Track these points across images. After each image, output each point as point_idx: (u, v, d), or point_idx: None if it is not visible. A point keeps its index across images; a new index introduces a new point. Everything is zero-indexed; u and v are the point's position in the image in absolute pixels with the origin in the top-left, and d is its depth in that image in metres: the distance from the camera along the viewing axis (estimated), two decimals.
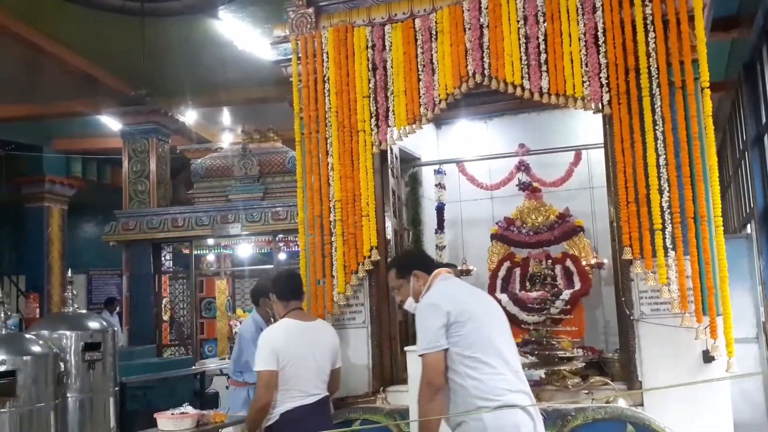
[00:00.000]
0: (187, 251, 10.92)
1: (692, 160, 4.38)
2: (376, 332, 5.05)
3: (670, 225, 4.38)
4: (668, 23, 4.46)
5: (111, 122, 12.02)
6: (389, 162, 5.57)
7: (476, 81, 4.80)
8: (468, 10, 4.83)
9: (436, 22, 4.93)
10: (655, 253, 4.38)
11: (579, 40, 4.58)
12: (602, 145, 4.95)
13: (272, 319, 4.50)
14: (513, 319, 6.80)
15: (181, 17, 9.00)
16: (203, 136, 13.61)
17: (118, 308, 12.33)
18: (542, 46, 4.66)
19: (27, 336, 4.75)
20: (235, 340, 5.82)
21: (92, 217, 17.11)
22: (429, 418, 2.98)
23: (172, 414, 4.31)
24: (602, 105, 4.54)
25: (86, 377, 4.88)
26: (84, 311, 5.77)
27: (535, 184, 7.38)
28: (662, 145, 4.42)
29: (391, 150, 5.63)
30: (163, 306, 10.96)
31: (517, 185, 7.45)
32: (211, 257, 11.80)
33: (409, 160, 7.02)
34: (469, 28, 4.82)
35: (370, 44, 5.10)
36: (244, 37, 9.24)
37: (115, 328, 5.28)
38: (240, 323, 9.01)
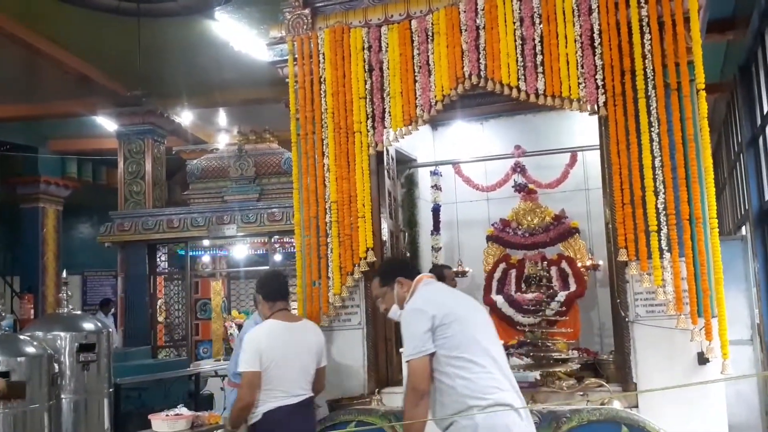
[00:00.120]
0: (182, 252, 10.91)
1: (687, 161, 4.39)
2: (372, 334, 5.05)
3: (666, 227, 4.38)
4: (664, 25, 4.47)
5: (107, 123, 12.00)
6: (385, 163, 5.57)
7: (472, 82, 4.80)
8: (464, 12, 4.83)
9: (432, 23, 4.93)
10: (650, 255, 4.39)
11: (575, 41, 4.58)
12: (598, 147, 4.95)
13: None
14: (508, 321, 6.81)
15: (177, 18, 8.99)
16: (199, 137, 13.60)
17: (113, 309, 12.30)
18: (538, 48, 4.67)
19: (21, 337, 4.74)
20: (235, 341, 5.81)
21: (87, 218, 17.10)
22: (418, 421, 2.99)
23: (167, 415, 4.31)
24: (598, 107, 4.55)
25: (80, 378, 4.87)
26: (78, 312, 5.76)
27: (530, 186, 7.39)
28: (658, 146, 4.43)
29: (387, 151, 5.63)
30: (158, 307, 10.94)
31: (512, 187, 7.45)
32: (206, 258, 11.79)
33: (405, 162, 7.02)
34: (466, 30, 4.82)
35: (366, 45, 5.10)
36: (241, 38, 9.23)
37: (110, 329, 5.28)
38: (235, 325, 9.01)
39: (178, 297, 11.14)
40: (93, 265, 16.44)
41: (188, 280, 10.84)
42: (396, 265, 3.69)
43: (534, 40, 4.68)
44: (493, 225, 7.45)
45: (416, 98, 4.93)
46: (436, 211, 7.68)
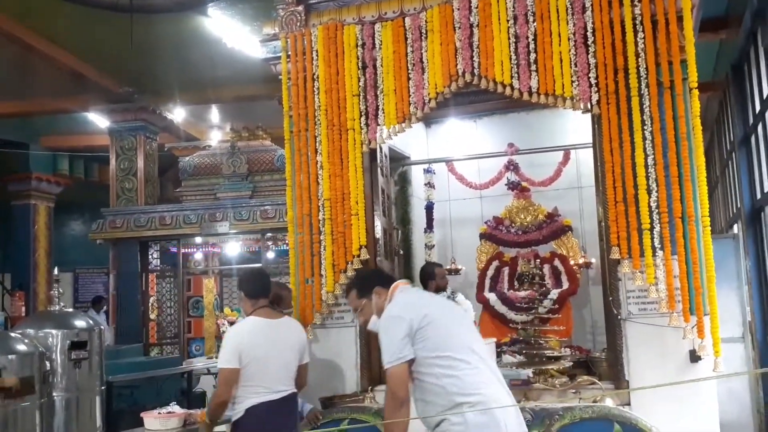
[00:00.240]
0: (174, 249, 10.88)
1: (680, 160, 4.40)
2: (365, 331, 5.02)
3: (658, 225, 4.39)
4: (657, 24, 4.47)
5: (99, 119, 11.94)
6: (378, 161, 5.56)
7: (466, 80, 4.80)
8: (458, 9, 4.83)
9: (426, 20, 4.93)
10: (642, 253, 4.40)
11: (568, 39, 4.59)
12: (591, 145, 4.96)
13: None
14: (501, 318, 6.83)
15: (171, 14, 8.94)
16: (192, 134, 13.55)
17: (105, 307, 12.25)
18: (532, 46, 4.67)
19: (12, 334, 4.71)
20: None
21: (79, 215, 17.01)
22: (399, 420, 2.98)
23: (159, 413, 4.30)
24: (591, 105, 4.56)
25: (72, 376, 4.84)
26: (70, 310, 5.73)
27: (523, 184, 7.41)
28: (650, 145, 4.44)
29: (381, 149, 5.62)
30: (150, 304, 10.90)
31: (506, 184, 7.47)
32: (199, 256, 11.75)
33: (398, 159, 7.02)
34: (459, 27, 4.82)
35: (359, 42, 5.09)
36: (234, 35, 9.19)
37: (102, 327, 5.25)
38: (227, 322, 8.99)
39: (170, 294, 11.11)
40: (85, 262, 16.36)
41: (180, 277, 10.81)
42: (372, 276, 3.69)
43: (527, 38, 4.68)
44: (486, 223, 7.46)
45: (410, 96, 4.92)
46: (429, 208, 7.69)
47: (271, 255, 10.84)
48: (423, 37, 4.94)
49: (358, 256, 4.95)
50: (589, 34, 4.56)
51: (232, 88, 11.34)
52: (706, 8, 5.27)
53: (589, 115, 4.69)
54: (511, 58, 4.70)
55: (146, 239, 10.64)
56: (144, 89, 10.95)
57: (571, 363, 4.96)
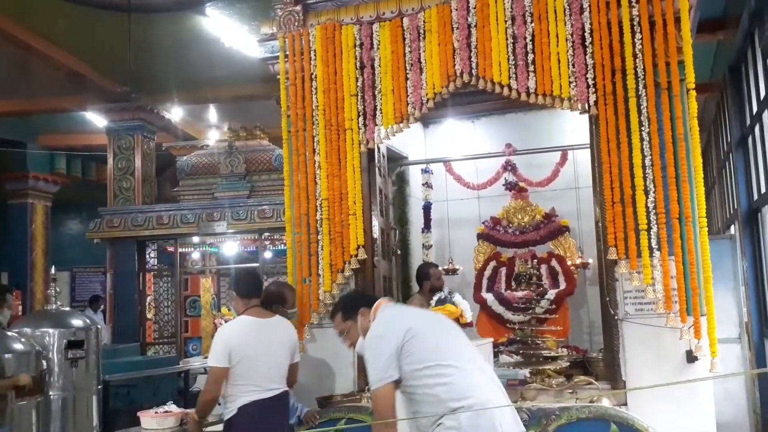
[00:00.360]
0: (171, 249, 10.86)
1: (677, 161, 4.41)
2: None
3: (655, 225, 4.40)
4: (655, 24, 4.49)
5: (96, 119, 11.92)
6: (376, 161, 5.56)
7: (464, 80, 4.81)
8: (456, 10, 4.83)
9: (424, 21, 4.93)
10: (640, 254, 4.41)
11: (566, 40, 4.59)
12: (588, 146, 4.97)
13: None
14: (498, 319, 6.83)
15: (169, 14, 8.95)
16: (189, 134, 13.53)
17: (102, 306, 12.23)
18: (530, 47, 4.68)
19: (9, 333, 4.71)
20: None
21: (76, 214, 16.97)
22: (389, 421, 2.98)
23: (156, 412, 4.29)
24: (589, 105, 4.56)
25: (69, 375, 4.84)
26: (67, 309, 5.73)
27: (521, 184, 7.40)
28: (648, 145, 4.45)
29: (379, 149, 5.62)
30: (147, 304, 10.89)
31: (503, 185, 7.46)
32: (196, 255, 11.73)
33: (396, 159, 7.02)
34: (457, 28, 4.82)
35: (357, 42, 5.09)
36: (232, 34, 9.19)
37: (99, 326, 5.25)
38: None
39: (167, 294, 11.08)
40: (82, 261, 16.32)
41: (178, 276, 10.79)
42: (356, 297, 3.66)
43: (525, 38, 4.69)
44: (483, 223, 7.46)
45: (408, 96, 4.93)
46: (427, 208, 7.68)
47: (268, 255, 10.82)
48: (421, 38, 4.94)
49: (356, 255, 4.95)
50: (586, 34, 4.57)
51: (230, 88, 11.33)
52: (704, 9, 5.28)
53: (586, 115, 4.70)
54: (508, 59, 4.71)
55: (143, 239, 10.63)
56: (142, 88, 10.93)
57: (568, 363, 4.97)
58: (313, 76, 5.18)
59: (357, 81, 5.07)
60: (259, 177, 10.39)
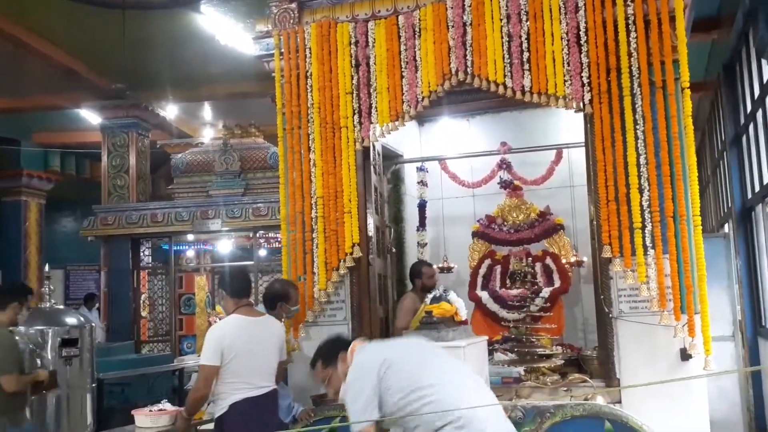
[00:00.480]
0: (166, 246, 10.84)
1: (672, 159, 4.42)
2: (357, 329, 5.05)
3: (650, 224, 4.42)
4: (650, 23, 4.49)
5: (90, 116, 11.88)
6: (371, 159, 5.56)
7: (459, 79, 4.81)
8: (451, 8, 4.83)
9: (419, 19, 4.93)
10: (634, 252, 4.42)
11: (561, 39, 4.60)
12: (583, 144, 4.98)
13: (282, 321, 4.57)
14: (493, 317, 6.84)
15: (163, 11, 8.92)
16: (184, 131, 13.49)
17: (97, 304, 12.20)
18: (525, 45, 4.68)
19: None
20: None
21: (70, 212, 16.92)
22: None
23: (150, 411, 4.29)
24: (583, 104, 4.57)
25: (63, 373, 4.84)
26: (61, 307, 5.71)
27: (516, 182, 7.41)
28: (642, 144, 4.46)
29: (374, 147, 5.61)
30: (141, 302, 10.86)
31: (498, 183, 7.47)
32: (190, 253, 11.71)
33: (391, 157, 7.02)
34: (453, 26, 4.82)
35: (353, 40, 5.09)
36: (227, 32, 9.16)
37: (93, 324, 5.24)
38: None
39: (161, 292, 11.05)
40: (76, 259, 16.27)
41: (172, 274, 10.77)
42: (335, 342, 3.58)
43: (521, 37, 4.69)
44: (478, 221, 7.47)
45: (403, 94, 4.93)
46: (422, 206, 7.69)
47: (263, 253, 10.81)
48: (416, 36, 4.94)
49: (351, 253, 4.95)
50: (581, 33, 4.58)
51: (225, 85, 11.31)
52: (698, 8, 5.29)
53: (581, 114, 4.71)
54: (504, 57, 4.71)
55: (138, 236, 10.59)
56: (136, 86, 10.90)
57: (563, 361, 4.98)
58: (308, 74, 5.17)
59: (352, 79, 5.06)
60: (254, 175, 10.36)
